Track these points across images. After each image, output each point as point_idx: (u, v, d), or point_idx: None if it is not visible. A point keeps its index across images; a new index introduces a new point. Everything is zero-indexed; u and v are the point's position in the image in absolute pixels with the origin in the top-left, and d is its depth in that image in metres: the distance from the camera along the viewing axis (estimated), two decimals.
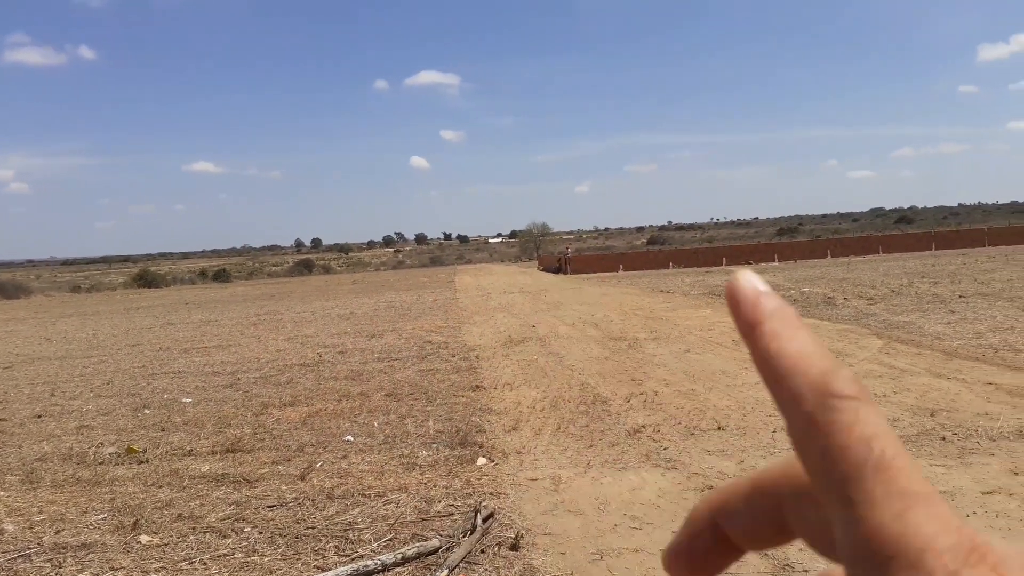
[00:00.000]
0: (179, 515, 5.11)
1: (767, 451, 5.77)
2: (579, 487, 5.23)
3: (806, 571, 3.73)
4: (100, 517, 5.19)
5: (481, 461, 5.92)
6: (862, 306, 14.98)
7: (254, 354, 13.51)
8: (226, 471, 6.11)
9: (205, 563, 4.28)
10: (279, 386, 9.98)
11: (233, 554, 4.38)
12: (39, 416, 8.97)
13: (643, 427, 6.70)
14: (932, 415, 6.45)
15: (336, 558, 4.23)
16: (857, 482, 0.26)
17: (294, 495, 5.38)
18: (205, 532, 4.77)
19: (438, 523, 4.68)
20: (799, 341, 0.29)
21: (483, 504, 4.83)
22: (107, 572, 4.24)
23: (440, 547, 4.25)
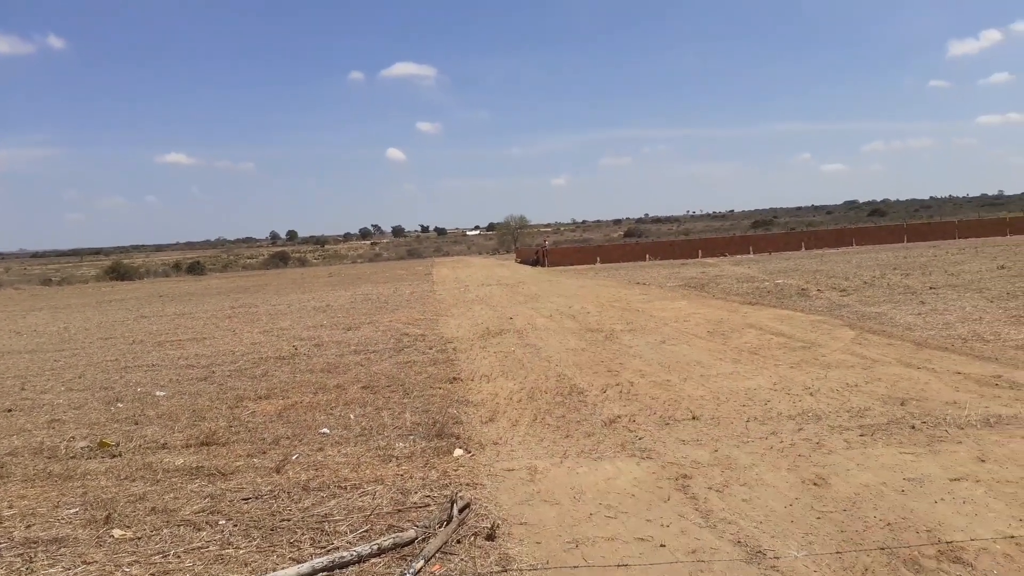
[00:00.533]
0: (153, 508, 5.06)
1: (740, 440, 5.84)
2: (555, 477, 5.27)
3: (777, 558, 3.79)
4: (72, 511, 5.13)
5: (458, 452, 5.94)
6: (835, 297, 15.18)
7: (229, 347, 13.40)
8: (200, 464, 6.06)
9: (179, 556, 4.24)
10: (254, 379, 9.91)
11: (208, 547, 4.35)
12: (9, 410, 8.83)
13: (619, 417, 6.75)
14: (902, 404, 6.57)
15: (312, 550, 4.22)
16: None
17: (269, 488, 5.35)
18: (179, 525, 4.73)
19: (414, 514, 4.68)
20: None
21: (459, 495, 4.85)
22: (79, 567, 4.20)
23: (416, 538, 4.26)
